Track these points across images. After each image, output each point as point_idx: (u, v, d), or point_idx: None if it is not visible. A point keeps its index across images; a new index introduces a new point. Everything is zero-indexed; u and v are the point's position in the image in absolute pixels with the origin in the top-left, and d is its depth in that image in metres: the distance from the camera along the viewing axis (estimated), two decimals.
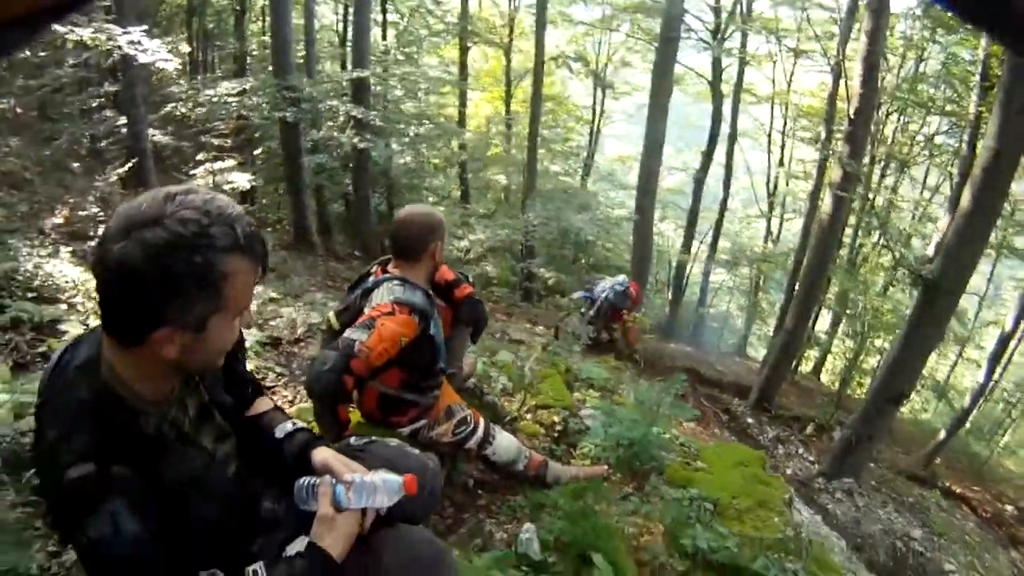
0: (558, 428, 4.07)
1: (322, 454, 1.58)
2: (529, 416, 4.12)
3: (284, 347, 5.15)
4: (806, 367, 19.56)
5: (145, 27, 9.03)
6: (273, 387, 4.24)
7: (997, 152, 5.91)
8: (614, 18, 21.22)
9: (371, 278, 2.74)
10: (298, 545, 1.45)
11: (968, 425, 16.67)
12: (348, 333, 2.41)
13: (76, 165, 10.06)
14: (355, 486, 1.44)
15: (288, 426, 1.68)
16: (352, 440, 1.96)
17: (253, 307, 4.85)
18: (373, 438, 1.98)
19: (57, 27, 7.86)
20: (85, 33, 7.94)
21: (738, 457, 4.27)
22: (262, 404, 1.76)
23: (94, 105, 11.03)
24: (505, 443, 3.17)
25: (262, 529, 1.59)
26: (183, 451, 1.35)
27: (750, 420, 9.79)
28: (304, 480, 1.51)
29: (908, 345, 7.05)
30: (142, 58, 8.50)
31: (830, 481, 7.78)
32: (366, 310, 2.54)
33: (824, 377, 19.61)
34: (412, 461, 1.86)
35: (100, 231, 1.42)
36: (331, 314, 2.84)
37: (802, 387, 14.85)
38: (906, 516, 7.94)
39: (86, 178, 9.08)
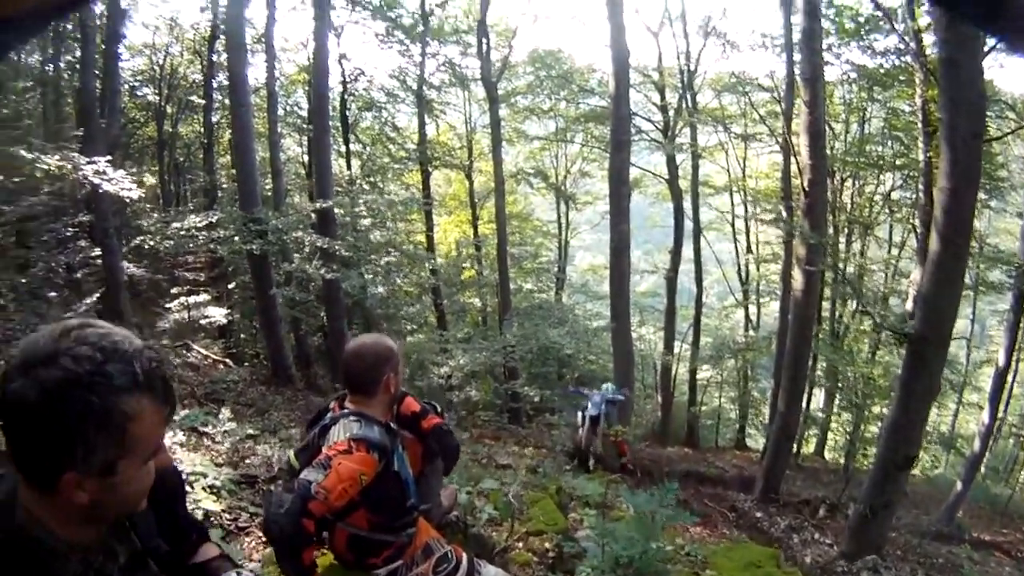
0: (552, 555, 3.86)
1: None
2: (520, 544, 3.91)
3: (260, 485, 4.95)
4: (808, 448, 19.34)
5: (110, 157, 9.19)
6: (247, 527, 4.04)
7: (953, 190, 5.92)
8: (567, 130, 22.28)
9: (329, 414, 2.65)
10: None
11: (983, 469, 16.22)
12: (304, 474, 2.29)
13: (53, 294, 10.08)
14: None
15: (232, 575, 1.62)
16: None
17: (228, 444, 4.55)
18: None
19: (24, 153, 7.96)
20: (52, 161, 8.08)
21: (748, 557, 4.14)
22: (208, 551, 1.71)
23: (68, 235, 11.15)
24: None
25: None
26: None
27: (759, 514, 9.56)
28: None
29: (906, 406, 6.88)
30: (106, 187, 8.62)
31: (852, 562, 7.32)
32: (324, 448, 2.42)
33: (828, 455, 19.49)
34: None
35: None
36: (291, 452, 2.77)
37: (807, 469, 14.76)
38: None
39: (61, 308, 9.18)
